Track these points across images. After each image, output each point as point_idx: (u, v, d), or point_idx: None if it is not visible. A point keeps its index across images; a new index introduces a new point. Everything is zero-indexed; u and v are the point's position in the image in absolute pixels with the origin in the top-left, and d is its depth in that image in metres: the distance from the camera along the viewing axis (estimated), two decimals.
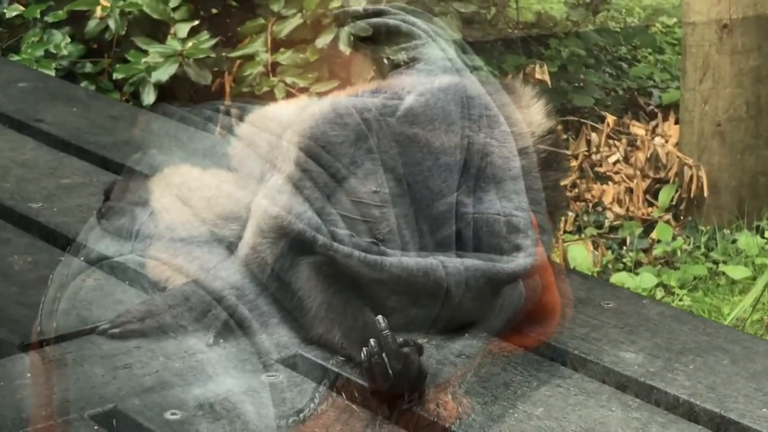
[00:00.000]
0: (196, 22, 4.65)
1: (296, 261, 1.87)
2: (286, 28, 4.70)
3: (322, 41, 4.67)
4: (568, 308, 2.00)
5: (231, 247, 1.94)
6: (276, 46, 4.70)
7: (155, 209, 2.02)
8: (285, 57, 4.64)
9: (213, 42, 4.55)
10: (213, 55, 4.54)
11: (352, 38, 4.61)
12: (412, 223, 1.90)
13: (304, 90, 4.54)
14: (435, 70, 2.05)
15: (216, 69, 4.68)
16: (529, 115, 2.05)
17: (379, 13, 2.32)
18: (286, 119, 2.02)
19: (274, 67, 4.64)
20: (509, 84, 2.16)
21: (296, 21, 4.71)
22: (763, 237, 4.95)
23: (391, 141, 1.93)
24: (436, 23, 2.15)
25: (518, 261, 1.87)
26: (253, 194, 1.94)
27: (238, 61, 4.69)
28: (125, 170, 2.18)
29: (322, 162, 1.91)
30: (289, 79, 4.58)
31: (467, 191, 1.92)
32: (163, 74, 4.39)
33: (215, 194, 1.99)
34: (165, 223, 2.00)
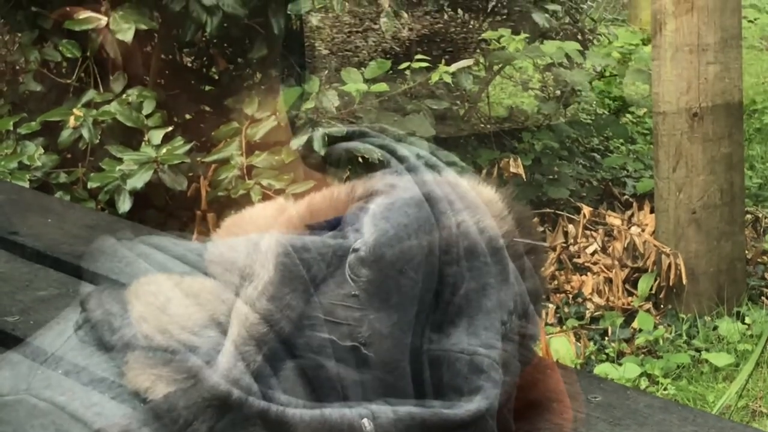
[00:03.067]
0: (170, 128, 4.67)
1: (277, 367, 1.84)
2: (260, 131, 4.72)
3: (297, 143, 4.69)
4: (579, 410, 1.96)
5: (209, 355, 1.91)
6: (251, 149, 4.71)
7: (132, 319, 2.00)
8: (260, 159, 4.65)
9: (187, 147, 4.56)
10: (188, 160, 4.54)
11: (326, 139, 4.63)
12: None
13: (280, 191, 4.54)
14: (404, 204, 1.97)
15: (191, 174, 4.69)
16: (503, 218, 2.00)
17: (362, 135, 2.28)
18: (263, 223, 2.01)
19: (249, 170, 4.65)
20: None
21: (270, 123, 4.73)
22: (743, 323, 4.95)
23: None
24: (419, 145, 2.12)
25: (470, 405, 1.74)
26: (232, 301, 1.92)
27: (214, 166, 4.70)
28: (101, 279, 2.16)
29: (302, 265, 1.89)
30: (265, 182, 4.58)
31: (434, 326, 1.84)
32: (138, 181, 4.38)
33: (192, 302, 1.97)
34: (143, 333, 1.98)
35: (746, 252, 5.30)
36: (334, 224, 1.97)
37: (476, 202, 1.93)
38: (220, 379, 1.81)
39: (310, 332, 1.84)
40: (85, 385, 2.04)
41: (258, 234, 1.99)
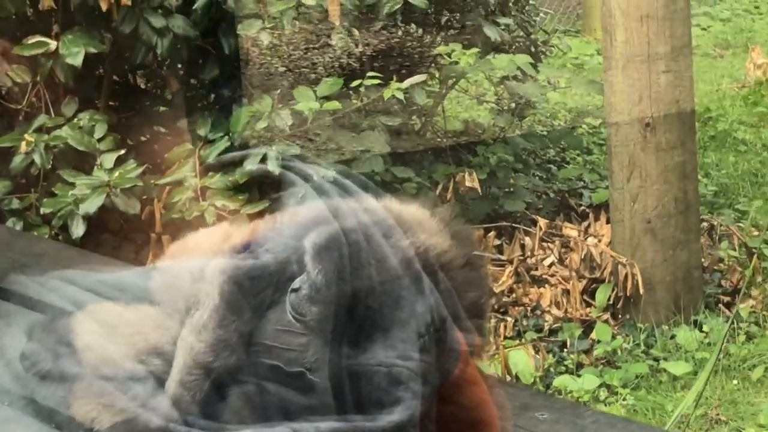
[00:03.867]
0: (123, 152, 4.65)
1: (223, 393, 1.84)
2: (213, 152, 4.71)
3: (251, 163, 4.68)
4: (507, 423, 1.97)
5: (156, 383, 1.90)
6: (204, 170, 4.70)
7: (78, 348, 1.99)
8: (214, 181, 4.64)
9: (140, 170, 4.55)
10: (140, 183, 4.53)
11: (280, 159, 4.62)
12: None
13: (234, 212, 4.53)
14: (338, 239, 1.95)
15: (145, 197, 4.67)
16: (440, 239, 2.00)
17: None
18: (208, 248, 2.00)
19: (203, 192, 4.64)
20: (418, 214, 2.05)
21: (223, 144, 4.72)
22: (701, 331, 4.98)
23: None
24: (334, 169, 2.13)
25: (392, 417, 1.77)
26: (177, 329, 1.91)
27: (168, 188, 4.69)
28: (47, 309, 2.15)
29: (247, 292, 1.89)
30: (219, 203, 4.57)
31: (351, 342, 1.85)
32: (90, 206, 4.37)
33: (138, 330, 1.96)
34: (89, 362, 1.97)
35: (702, 260, 5.33)
36: (247, 247, 1.99)
37: (385, 218, 1.94)
38: (158, 417, 1.81)
39: (257, 358, 1.84)
40: (32, 416, 2.03)
41: (203, 260, 1.98)
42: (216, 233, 2.11)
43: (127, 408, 1.89)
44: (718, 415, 4.40)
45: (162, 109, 5.28)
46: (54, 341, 2.06)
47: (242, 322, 1.86)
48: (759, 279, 5.30)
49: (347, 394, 1.82)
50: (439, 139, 6.39)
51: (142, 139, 5.15)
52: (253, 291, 1.89)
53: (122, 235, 4.76)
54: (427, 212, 2.00)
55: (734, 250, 5.50)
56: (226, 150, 4.73)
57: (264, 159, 4.55)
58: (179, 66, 5.14)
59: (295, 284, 1.85)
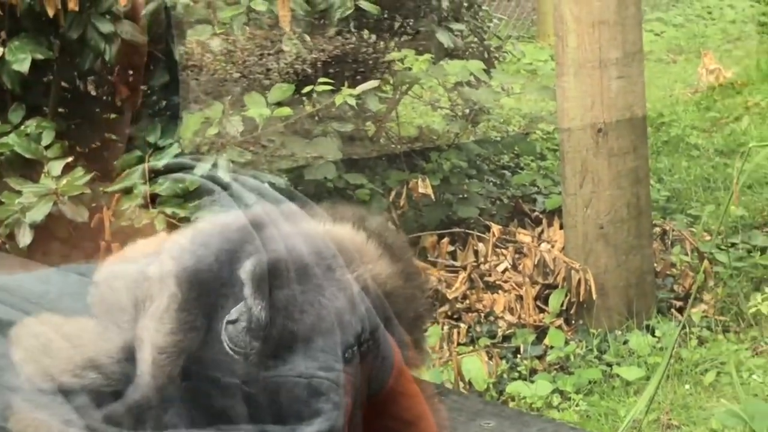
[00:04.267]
0: (70, 159, 4.59)
1: None
2: (163, 159, 4.66)
3: (201, 170, 4.63)
4: None
5: (90, 398, 1.87)
6: (154, 177, 4.65)
7: (15, 360, 1.95)
8: (164, 188, 4.59)
9: (88, 177, 4.49)
10: (88, 191, 4.47)
11: (231, 166, 4.59)
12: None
13: (185, 220, 4.49)
14: (284, 267, 1.92)
15: (94, 204, 4.61)
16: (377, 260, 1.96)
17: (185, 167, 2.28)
18: (143, 259, 1.97)
19: (153, 199, 4.59)
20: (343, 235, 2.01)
21: (174, 151, 4.68)
22: (653, 336, 4.98)
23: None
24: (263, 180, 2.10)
25: (311, 429, 1.76)
26: (117, 341, 1.88)
27: (117, 195, 4.63)
28: None
29: (198, 284, 1.86)
30: (169, 210, 4.52)
31: (268, 353, 1.83)
32: (37, 214, 4.30)
33: (75, 343, 1.93)
34: (26, 375, 1.93)
35: (655, 265, 5.34)
36: None
37: (310, 229, 1.92)
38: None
39: (213, 356, 1.82)
40: None
41: (140, 267, 1.96)
42: (153, 244, 2.08)
43: (53, 426, 1.86)
44: (670, 419, 4.41)
45: (112, 116, 5.22)
46: None
47: (201, 305, 1.84)
48: (711, 284, 5.31)
49: (264, 407, 1.80)
50: (392, 146, 6.37)
51: (91, 146, 5.09)
52: (203, 287, 1.87)
53: (71, 244, 4.69)
54: (364, 236, 1.96)
55: (686, 255, 5.52)
56: (176, 157, 4.68)
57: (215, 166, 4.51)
58: (129, 72, 5.09)
59: (232, 315, 1.82)
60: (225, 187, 2.03)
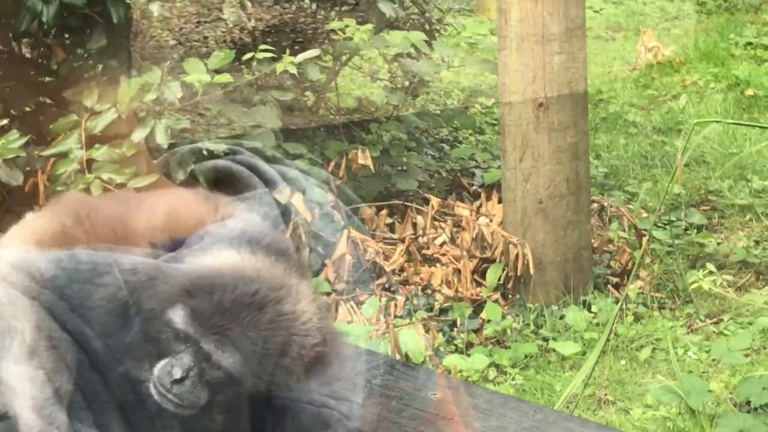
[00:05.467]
0: (5, 122, 4.50)
1: None
2: (100, 124, 4.59)
3: (139, 135, 4.57)
4: None
5: None
6: (91, 142, 4.58)
7: None
8: (100, 153, 4.52)
9: (23, 140, 4.40)
10: (23, 154, 4.39)
11: (169, 132, 4.53)
12: None
13: (121, 186, 4.42)
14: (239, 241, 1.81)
15: (29, 168, 4.53)
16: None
17: (232, 153, 2.15)
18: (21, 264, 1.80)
19: (89, 164, 4.51)
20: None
21: (111, 116, 4.60)
22: (590, 311, 5.00)
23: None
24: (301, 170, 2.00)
25: None
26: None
27: (52, 159, 4.55)
28: None
29: (69, 326, 1.71)
30: (105, 176, 4.45)
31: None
32: None
33: None
34: None
35: (592, 241, 5.35)
36: (178, 244, 1.83)
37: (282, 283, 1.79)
38: None
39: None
40: None
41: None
42: (28, 242, 1.91)
43: None
44: (606, 395, 4.42)
45: (47, 79, 5.13)
46: None
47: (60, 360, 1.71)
48: (647, 260, 5.34)
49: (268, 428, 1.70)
50: (331, 116, 6.33)
51: (27, 109, 4.99)
52: (77, 325, 1.72)
53: (5, 208, 4.61)
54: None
55: (624, 231, 5.54)
56: (113, 122, 4.61)
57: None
58: (66, 35, 5.00)
59: (176, 374, 1.67)
60: (270, 184, 1.92)
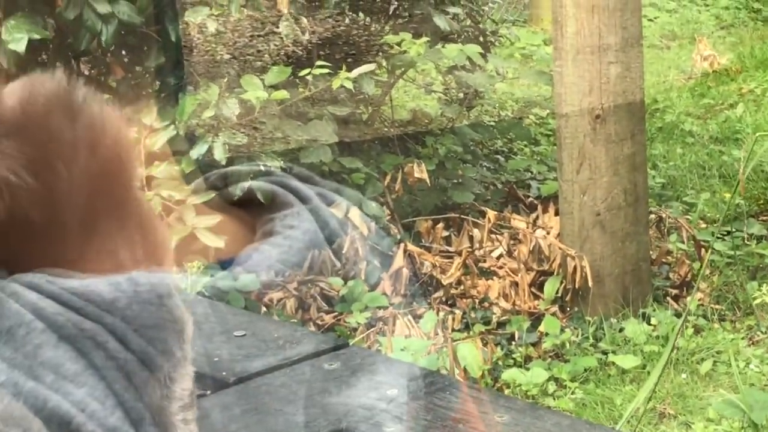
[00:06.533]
0: None
1: None
2: (159, 141, 4.62)
3: (197, 152, 4.61)
4: None
5: None
6: (150, 159, 4.61)
7: None
8: (159, 170, 4.56)
9: None
10: None
11: (227, 148, 4.55)
12: None
13: (180, 202, 4.45)
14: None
15: None
16: None
17: (265, 174, 2.16)
18: None
19: (149, 181, 4.55)
20: None
21: (169, 133, 4.64)
22: (649, 324, 4.96)
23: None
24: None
25: None
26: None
27: None
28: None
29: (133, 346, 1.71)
30: (165, 193, 4.49)
31: None
32: None
33: None
34: None
35: (651, 252, 5.32)
36: (227, 263, 1.85)
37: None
38: None
39: None
40: None
41: None
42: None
43: None
44: (666, 408, 4.39)
45: (106, 96, 5.18)
46: None
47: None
48: (707, 272, 5.29)
49: None
50: (386, 129, 6.34)
51: None
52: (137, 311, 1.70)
53: None
54: None
55: (682, 242, 5.50)
56: (173, 139, 4.65)
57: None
58: (124, 53, 5.06)
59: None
60: (305, 200, 1.95)
